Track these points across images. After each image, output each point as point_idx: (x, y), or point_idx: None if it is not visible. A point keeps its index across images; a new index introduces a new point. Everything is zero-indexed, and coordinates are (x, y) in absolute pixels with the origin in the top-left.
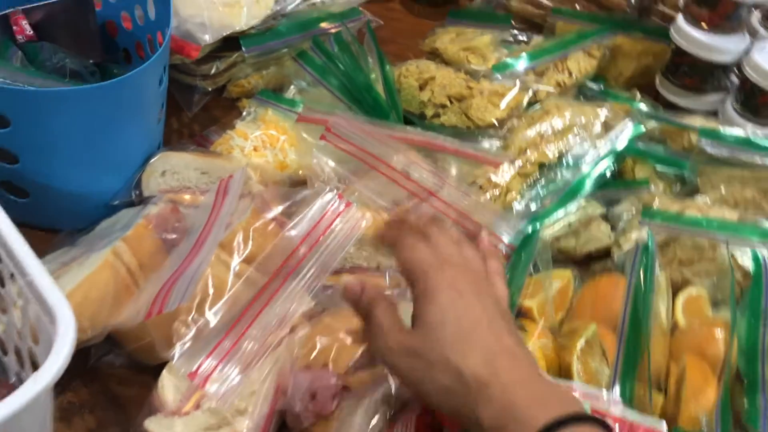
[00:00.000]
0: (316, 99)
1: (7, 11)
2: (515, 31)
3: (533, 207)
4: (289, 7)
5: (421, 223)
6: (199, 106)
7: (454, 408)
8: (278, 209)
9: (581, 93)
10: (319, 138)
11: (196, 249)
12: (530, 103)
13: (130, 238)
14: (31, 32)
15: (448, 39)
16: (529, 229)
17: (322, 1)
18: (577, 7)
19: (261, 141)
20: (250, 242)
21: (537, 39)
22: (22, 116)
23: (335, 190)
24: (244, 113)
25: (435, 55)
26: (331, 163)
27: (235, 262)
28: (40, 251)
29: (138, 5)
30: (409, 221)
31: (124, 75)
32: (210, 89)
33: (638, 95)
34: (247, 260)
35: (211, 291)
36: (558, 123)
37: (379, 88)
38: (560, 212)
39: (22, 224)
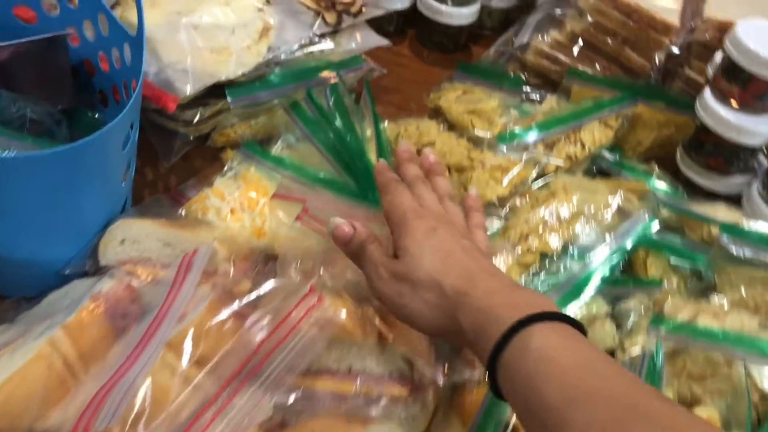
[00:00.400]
0: (304, 157)
1: None
2: (527, 88)
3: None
4: (284, 55)
5: (411, 175)
6: (179, 156)
7: (437, 323)
8: (240, 302)
9: (594, 163)
10: (294, 219)
11: (142, 344)
12: (538, 175)
13: (72, 325)
14: None
15: (453, 97)
16: None
17: (320, 50)
18: (597, 66)
19: (239, 203)
20: (203, 343)
21: (550, 99)
22: None
23: (307, 282)
24: (226, 168)
25: (438, 114)
26: (306, 248)
27: (183, 365)
28: None
29: (115, 47)
30: (402, 172)
31: (77, 142)
32: (192, 137)
33: (656, 169)
34: (198, 363)
35: (148, 404)
36: (564, 210)
37: (373, 147)
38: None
39: None
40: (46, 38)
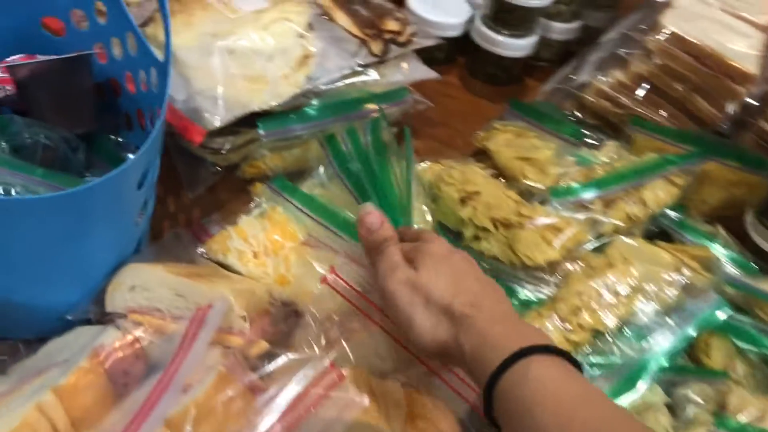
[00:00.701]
0: (335, 197)
1: None
2: (585, 131)
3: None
4: (323, 86)
5: None
6: (205, 186)
7: (438, 341)
8: (252, 375)
9: (653, 221)
10: (320, 281)
11: (140, 417)
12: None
13: (66, 388)
14: (13, 90)
15: (503, 140)
16: None
17: (363, 81)
18: (662, 112)
19: (263, 246)
20: (206, 424)
21: (610, 145)
22: None
23: (327, 355)
24: (252, 205)
25: (486, 155)
26: (328, 314)
27: None
28: None
29: (142, 69)
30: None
31: (84, 186)
32: (220, 166)
33: (721, 232)
34: None
35: None
36: (623, 285)
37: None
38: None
39: None
40: (71, 57)
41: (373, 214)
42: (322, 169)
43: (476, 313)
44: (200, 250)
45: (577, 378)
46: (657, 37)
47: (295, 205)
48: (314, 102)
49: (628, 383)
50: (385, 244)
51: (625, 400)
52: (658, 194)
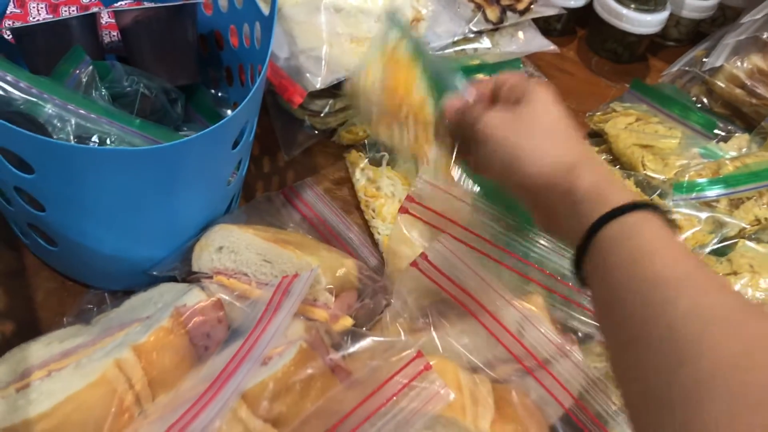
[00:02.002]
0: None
1: (94, 10)
2: (716, 121)
3: None
4: (433, 52)
5: None
6: (301, 149)
7: (546, 172)
8: (335, 354)
9: None
10: (410, 264)
11: (218, 384)
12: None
13: (146, 346)
14: (117, 37)
15: (623, 124)
16: None
17: (475, 49)
18: None
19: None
20: (284, 400)
21: (739, 137)
22: (49, 167)
23: (415, 342)
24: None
25: (601, 140)
26: (419, 298)
27: (258, 426)
28: (67, 305)
29: (246, 24)
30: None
31: (177, 141)
32: (318, 130)
33: None
34: (276, 423)
35: None
36: (751, 295)
37: None
38: None
39: (54, 271)
40: (176, 6)
41: (456, 100)
42: None
43: (594, 156)
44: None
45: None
46: None
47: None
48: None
49: None
50: (478, 116)
51: None
52: None
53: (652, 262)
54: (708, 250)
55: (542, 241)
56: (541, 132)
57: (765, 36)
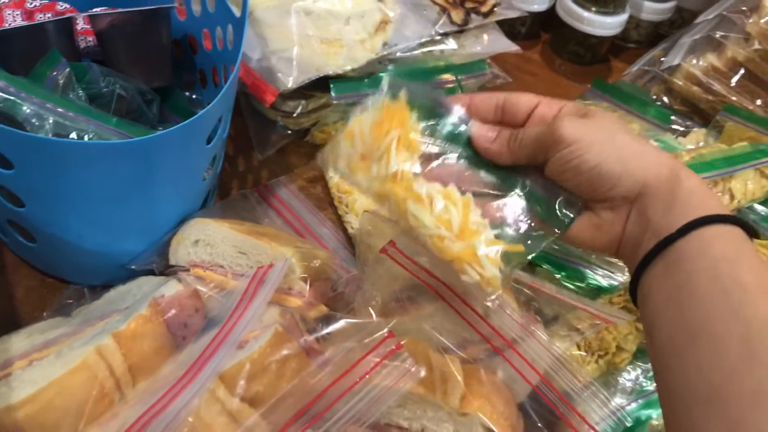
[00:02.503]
0: None
1: (70, 15)
2: (673, 116)
3: (648, 386)
4: (400, 53)
5: None
6: (275, 149)
7: (654, 173)
8: (309, 336)
9: (740, 216)
10: (379, 251)
11: (196, 367)
12: None
13: (125, 333)
14: (93, 41)
15: None
16: (637, 418)
17: (441, 50)
18: (758, 102)
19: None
20: (260, 380)
21: (697, 132)
22: (28, 162)
23: (386, 324)
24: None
25: None
26: (389, 283)
27: (234, 403)
28: (47, 301)
29: (219, 26)
30: None
31: (154, 134)
32: (291, 130)
33: None
34: (253, 402)
35: None
36: None
37: None
38: None
39: (33, 269)
40: (150, 10)
41: (483, 127)
42: None
43: (678, 163)
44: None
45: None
46: (759, 20)
47: None
48: (390, 68)
49: None
50: (516, 132)
51: None
52: (748, 186)
53: (739, 267)
54: None
55: None
56: (630, 133)
57: (718, 35)
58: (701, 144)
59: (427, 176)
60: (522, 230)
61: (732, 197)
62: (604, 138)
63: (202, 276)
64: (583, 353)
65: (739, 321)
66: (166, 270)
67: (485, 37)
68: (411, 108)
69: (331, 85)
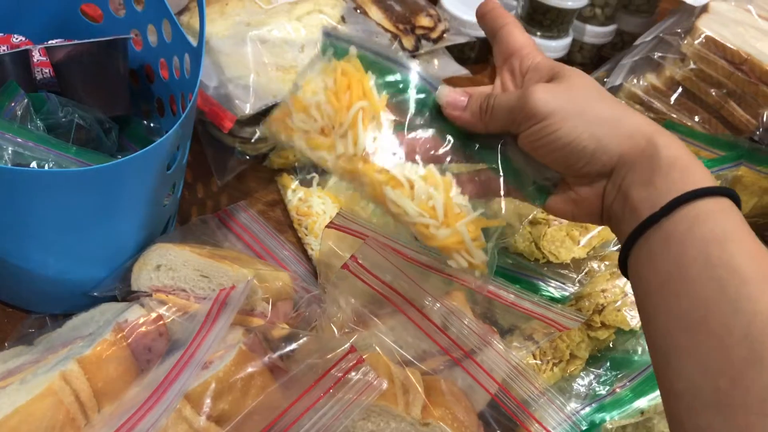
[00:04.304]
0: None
1: (26, 48)
2: None
3: (601, 390)
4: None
5: None
6: (233, 174)
7: (628, 140)
8: (272, 355)
9: None
10: (341, 267)
11: (161, 389)
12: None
13: (89, 359)
14: (50, 73)
15: None
16: (592, 422)
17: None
18: (696, 118)
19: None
20: (226, 398)
21: None
22: None
23: (347, 342)
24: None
25: None
26: (350, 299)
27: (201, 422)
28: (7, 331)
29: (176, 56)
30: None
31: (114, 161)
32: (249, 156)
33: None
34: (219, 420)
35: None
36: None
37: None
38: (637, 404)
39: None
40: (107, 41)
41: (451, 93)
42: None
43: (660, 129)
44: (261, 128)
45: None
46: (693, 41)
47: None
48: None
49: (650, 382)
50: (489, 98)
51: (647, 400)
52: None
53: (732, 251)
54: (614, 247)
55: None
56: (605, 100)
57: (656, 56)
58: None
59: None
60: (501, 204)
61: None
62: (577, 111)
63: (165, 300)
64: (539, 362)
65: (740, 317)
66: (129, 296)
67: (435, 62)
68: (366, 70)
69: None
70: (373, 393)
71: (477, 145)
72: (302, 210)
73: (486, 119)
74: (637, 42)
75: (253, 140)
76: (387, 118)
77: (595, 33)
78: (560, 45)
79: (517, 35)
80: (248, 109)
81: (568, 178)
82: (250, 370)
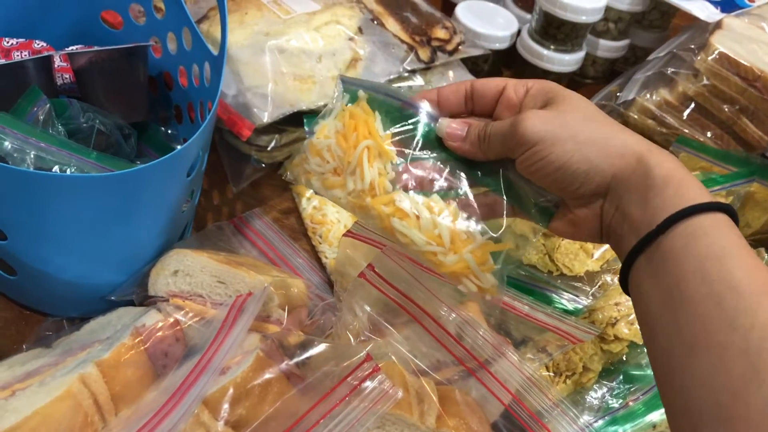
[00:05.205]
0: None
1: (48, 54)
2: None
3: (614, 403)
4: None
5: None
6: (248, 182)
7: (620, 160)
8: (289, 361)
9: None
10: (358, 275)
11: (179, 394)
12: None
13: (108, 362)
14: (71, 79)
15: None
16: None
17: (409, 86)
18: (709, 134)
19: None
20: (243, 404)
21: None
22: (10, 195)
23: (363, 347)
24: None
25: None
26: (366, 308)
27: (219, 427)
28: (25, 333)
29: (196, 64)
30: None
31: (135, 167)
32: (265, 164)
33: (765, 255)
34: (236, 426)
35: None
36: None
37: None
38: (649, 417)
39: (11, 301)
40: (127, 48)
41: (451, 125)
42: None
43: (653, 148)
44: (286, 175)
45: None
46: (706, 57)
47: None
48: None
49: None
50: (485, 127)
51: (659, 414)
52: None
53: (729, 266)
54: None
55: None
56: (596, 120)
57: (669, 72)
58: None
59: (405, 183)
60: (507, 227)
61: None
62: (568, 135)
63: (182, 305)
64: (552, 374)
65: (737, 332)
66: (146, 301)
67: (450, 73)
68: (373, 110)
69: (305, 120)
70: (389, 402)
71: (479, 172)
72: (317, 218)
73: (484, 148)
74: (651, 57)
75: (269, 148)
76: (392, 153)
77: (608, 47)
78: (573, 59)
79: (491, 82)
80: (266, 117)
81: (566, 200)
82: (267, 376)
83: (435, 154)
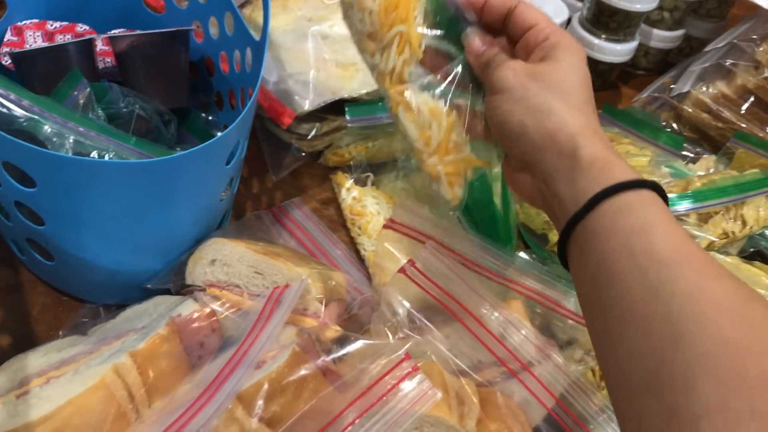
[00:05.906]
0: (416, 191)
1: (89, 37)
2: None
3: None
4: (419, 80)
5: None
6: (288, 170)
7: (551, 135)
8: (326, 357)
9: (751, 243)
10: (397, 270)
11: (213, 387)
12: None
13: (143, 353)
14: (112, 63)
15: None
16: None
17: None
18: None
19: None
20: (278, 400)
21: (707, 159)
22: (49, 180)
23: (403, 345)
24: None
25: None
26: (406, 304)
27: (253, 424)
28: (62, 319)
29: (237, 49)
30: None
31: (174, 155)
32: (305, 152)
33: None
34: (271, 423)
35: None
36: None
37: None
38: None
39: (48, 286)
40: (169, 32)
41: (475, 39)
42: (405, 161)
43: (600, 128)
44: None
45: None
46: None
47: None
48: None
49: None
50: (496, 56)
51: None
52: (760, 213)
53: (653, 239)
54: None
55: (519, 260)
56: (557, 92)
57: (728, 63)
58: (711, 170)
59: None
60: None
61: (744, 223)
62: (521, 96)
63: (219, 296)
64: (598, 379)
65: (660, 300)
66: (183, 290)
67: None
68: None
69: (347, 108)
70: (427, 403)
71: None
72: (356, 209)
73: (483, 75)
74: (708, 48)
75: (309, 137)
76: (421, 46)
77: (662, 37)
78: (625, 49)
79: (530, 13)
80: (307, 105)
81: (509, 156)
82: (303, 372)
83: (460, 58)
